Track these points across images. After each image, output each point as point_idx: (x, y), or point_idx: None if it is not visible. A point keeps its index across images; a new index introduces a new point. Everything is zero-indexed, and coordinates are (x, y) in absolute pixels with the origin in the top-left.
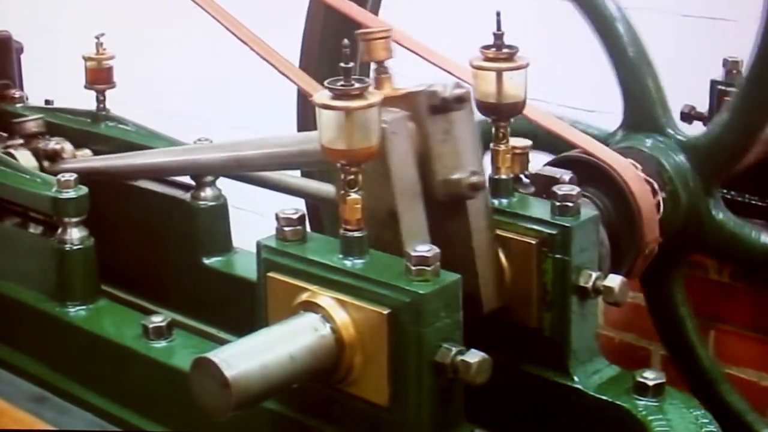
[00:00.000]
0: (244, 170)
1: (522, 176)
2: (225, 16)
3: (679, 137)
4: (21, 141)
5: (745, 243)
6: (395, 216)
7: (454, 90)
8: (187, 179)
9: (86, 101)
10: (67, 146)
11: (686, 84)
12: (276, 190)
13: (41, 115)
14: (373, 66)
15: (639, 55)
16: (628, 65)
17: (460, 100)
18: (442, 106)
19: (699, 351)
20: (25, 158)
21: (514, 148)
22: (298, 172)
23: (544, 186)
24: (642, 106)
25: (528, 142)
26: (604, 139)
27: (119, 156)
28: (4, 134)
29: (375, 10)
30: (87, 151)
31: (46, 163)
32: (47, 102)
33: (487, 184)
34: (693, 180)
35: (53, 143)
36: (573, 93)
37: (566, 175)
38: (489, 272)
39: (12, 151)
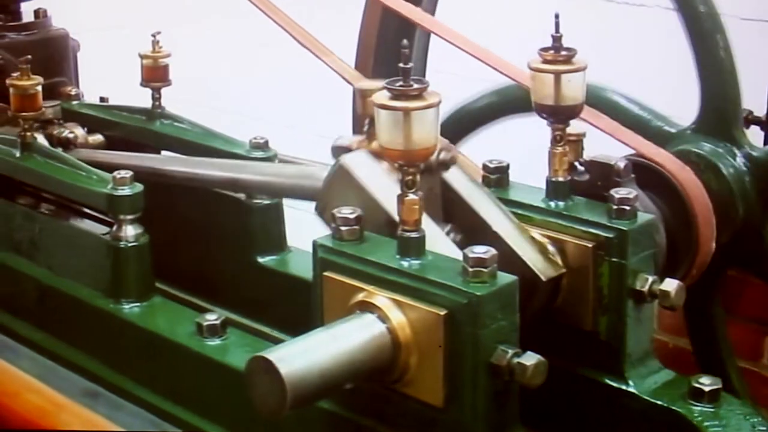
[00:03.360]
0: (240, 191)
1: (576, 164)
2: (280, 15)
3: (746, 149)
4: (36, 125)
5: None
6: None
7: (440, 155)
8: None
9: (140, 99)
10: (80, 132)
11: (743, 88)
12: None
13: (59, 102)
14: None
15: (729, 64)
16: (715, 71)
17: (444, 165)
18: (427, 169)
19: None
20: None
21: (568, 135)
22: None
23: (598, 173)
24: (717, 112)
25: (582, 130)
26: (674, 135)
27: (132, 156)
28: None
29: (431, 10)
30: (98, 137)
31: (59, 150)
32: (102, 99)
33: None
34: (752, 194)
35: (66, 131)
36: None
37: (621, 162)
38: (526, 246)
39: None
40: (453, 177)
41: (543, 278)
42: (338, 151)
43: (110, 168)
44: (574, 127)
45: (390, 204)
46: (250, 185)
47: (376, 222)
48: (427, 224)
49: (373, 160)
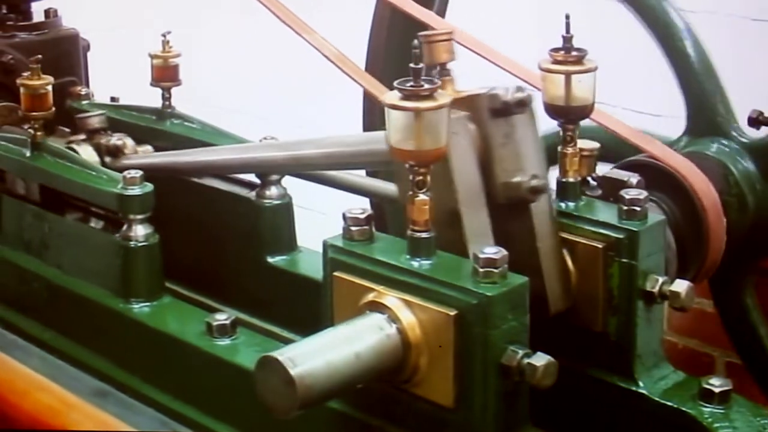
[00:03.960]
0: (304, 169)
1: (589, 179)
2: (289, 16)
3: (744, 140)
4: (83, 136)
5: None
6: (458, 216)
7: (515, 93)
8: (252, 177)
9: (150, 99)
10: (129, 142)
11: (754, 89)
12: (341, 189)
13: (104, 111)
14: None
15: (701, 59)
16: (690, 70)
17: (522, 104)
18: (504, 110)
19: None
20: (87, 153)
21: (581, 150)
22: (362, 172)
23: (611, 189)
24: (705, 112)
25: (596, 145)
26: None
27: (181, 153)
28: (67, 129)
29: (441, 12)
30: (148, 147)
31: (107, 159)
32: (113, 99)
33: (551, 186)
34: (760, 183)
35: (115, 139)
36: (639, 96)
37: (634, 178)
38: (555, 273)
39: (74, 146)
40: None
41: (551, 309)
42: None
43: (162, 169)
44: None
45: (464, 184)
46: (314, 161)
47: (446, 196)
48: (475, 204)
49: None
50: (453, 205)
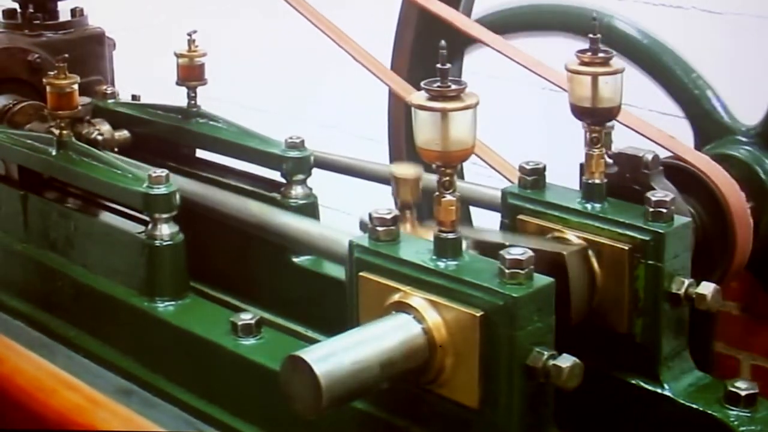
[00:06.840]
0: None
1: (605, 156)
2: (317, 16)
3: (746, 129)
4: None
5: None
6: None
7: None
8: (277, 177)
9: (175, 97)
10: (105, 128)
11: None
12: (365, 178)
13: (91, 100)
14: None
15: (681, 67)
16: (679, 86)
17: None
18: None
19: None
20: None
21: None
22: (386, 160)
23: (626, 166)
24: (706, 115)
25: (611, 123)
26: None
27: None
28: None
29: (468, 12)
30: (125, 132)
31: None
32: (134, 97)
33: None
34: None
35: (96, 132)
36: (665, 98)
37: (649, 154)
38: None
39: (54, 130)
40: None
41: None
42: None
43: None
44: None
45: None
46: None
47: None
48: None
49: None
50: None
